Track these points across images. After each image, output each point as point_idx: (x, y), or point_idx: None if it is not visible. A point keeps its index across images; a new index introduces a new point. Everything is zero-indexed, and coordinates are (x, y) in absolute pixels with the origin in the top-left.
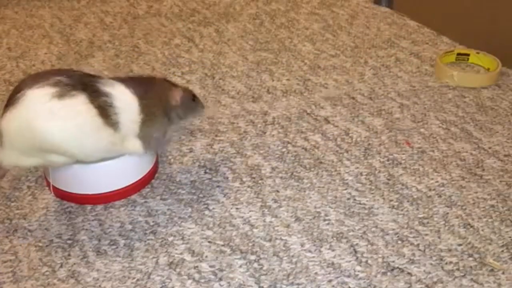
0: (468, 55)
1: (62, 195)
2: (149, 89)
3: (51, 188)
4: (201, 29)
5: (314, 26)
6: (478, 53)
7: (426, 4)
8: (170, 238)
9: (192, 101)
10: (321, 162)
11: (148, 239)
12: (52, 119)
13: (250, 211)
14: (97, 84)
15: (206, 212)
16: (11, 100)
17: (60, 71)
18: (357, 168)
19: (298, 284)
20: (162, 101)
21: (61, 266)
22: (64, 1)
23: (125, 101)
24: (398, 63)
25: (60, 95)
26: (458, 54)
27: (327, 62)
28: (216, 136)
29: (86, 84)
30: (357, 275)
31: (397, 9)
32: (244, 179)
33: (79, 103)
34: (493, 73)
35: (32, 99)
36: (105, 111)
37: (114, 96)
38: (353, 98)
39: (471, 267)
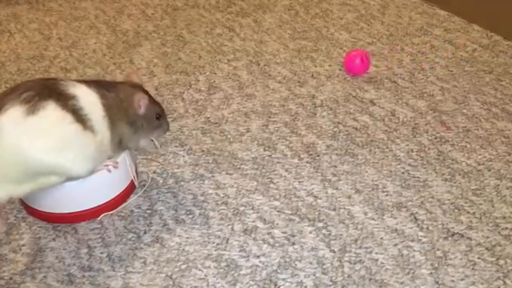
0: None
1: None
2: (111, 90)
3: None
4: (240, 19)
5: (347, 16)
6: None
7: None
8: (241, 208)
9: (156, 119)
10: (372, 140)
11: (221, 209)
12: (33, 137)
13: (312, 184)
14: (60, 87)
15: (271, 185)
16: None
17: (19, 86)
18: (407, 145)
19: (366, 247)
20: (124, 104)
21: (145, 233)
22: None
23: (89, 102)
24: (433, 49)
25: (32, 111)
26: None
27: (365, 49)
28: (270, 117)
29: (50, 88)
30: (420, 239)
31: None
32: (302, 156)
33: (52, 112)
34: None
35: (7, 124)
36: (77, 113)
37: (78, 97)
38: (395, 82)
39: None
